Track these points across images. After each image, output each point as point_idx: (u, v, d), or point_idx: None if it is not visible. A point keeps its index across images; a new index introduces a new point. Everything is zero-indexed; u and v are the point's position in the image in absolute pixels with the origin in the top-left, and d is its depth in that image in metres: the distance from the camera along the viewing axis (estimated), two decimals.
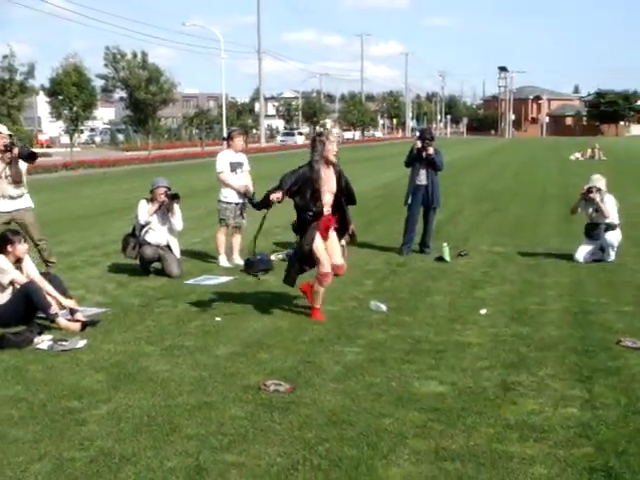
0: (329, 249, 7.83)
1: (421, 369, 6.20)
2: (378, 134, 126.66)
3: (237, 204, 11.06)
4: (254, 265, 10.41)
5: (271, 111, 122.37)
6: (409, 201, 11.98)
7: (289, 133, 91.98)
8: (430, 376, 6.02)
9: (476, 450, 4.62)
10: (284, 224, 14.79)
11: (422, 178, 11.83)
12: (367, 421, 5.09)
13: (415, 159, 11.85)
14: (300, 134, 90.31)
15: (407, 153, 12.11)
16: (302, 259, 7.88)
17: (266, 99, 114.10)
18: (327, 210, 7.78)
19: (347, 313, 8.16)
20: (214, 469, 4.40)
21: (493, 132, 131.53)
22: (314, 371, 6.18)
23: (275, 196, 7.48)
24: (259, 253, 10.96)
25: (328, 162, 7.71)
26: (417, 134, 12.77)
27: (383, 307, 8.24)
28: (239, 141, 11.18)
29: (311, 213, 7.65)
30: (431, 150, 11.67)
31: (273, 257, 11.31)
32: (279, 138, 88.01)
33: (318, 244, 7.70)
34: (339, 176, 7.83)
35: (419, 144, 11.74)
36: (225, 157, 11.07)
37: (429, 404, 5.41)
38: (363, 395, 5.60)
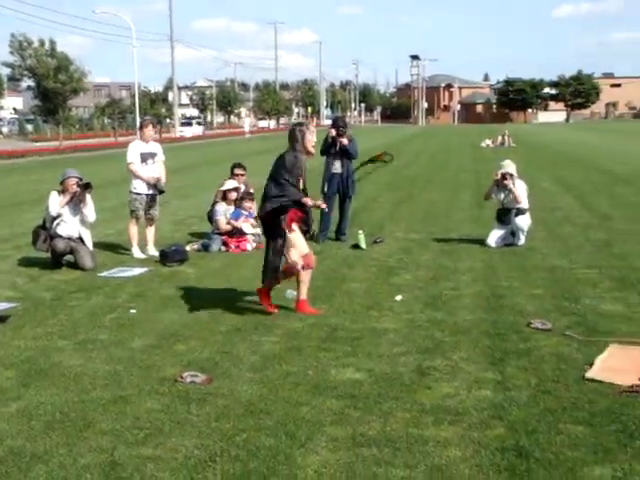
0: (295, 241, 7.64)
1: (338, 356, 6.23)
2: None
3: (147, 195, 10.92)
4: (169, 256, 10.34)
5: (185, 100, 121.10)
6: (325, 190, 12.02)
7: (187, 122, 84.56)
8: (347, 363, 6.05)
9: (392, 435, 4.67)
10: (199, 214, 14.69)
11: (337, 167, 11.89)
12: (284, 410, 5.09)
13: (330, 148, 11.89)
14: (199, 124, 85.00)
15: (322, 142, 12.13)
16: (276, 251, 7.57)
17: (180, 88, 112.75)
18: None
19: None
20: (129, 464, 4.33)
21: (412, 120, 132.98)
22: (231, 361, 6.15)
23: (321, 204, 8.05)
24: (174, 244, 10.89)
25: (307, 153, 7.60)
26: (330, 122, 12.81)
27: None
28: (149, 131, 11.03)
29: (291, 204, 7.48)
30: (345, 140, 11.72)
31: (188, 247, 11.23)
32: (178, 129, 76.60)
33: (292, 236, 7.59)
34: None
35: (333, 132, 11.79)
36: (135, 148, 10.91)
37: (346, 391, 5.44)
38: (280, 384, 5.60)
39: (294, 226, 7.68)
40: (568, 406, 5.05)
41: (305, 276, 7.73)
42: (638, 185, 19.75)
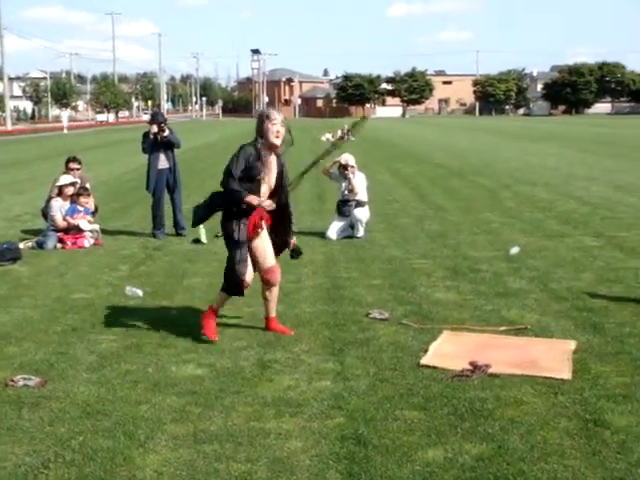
0: (258, 249, 6.55)
1: (178, 353, 6.15)
2: (147, 117, 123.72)
3: None
4: (0, 254, 9.87)
5: (17, 92, 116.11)
6: (152, 186, 11.87)
7: None
8: (187, 359, 5.98)
9: (234, 430, 4.66)
10: (33, 210, 14.15)
11: (163, 162, 11.79)
12: (123, 410, 4.96)
13: (153, 144, 11.71)
14: None
15: (141, 139, 11.94)
16: (238, 261, 6.44)
17: (11, 79, 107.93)
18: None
19: (102, 300, 7.91)
20: None
21: (253, 114, 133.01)
22: (67, 362, 5.94)
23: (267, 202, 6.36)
24: (6, 241, 10.41)
25: (271, 147, 6.36)
26: (149, 118, 12.57)
27: (139, 292, 8.09)
28: None
29: (244, 206, 6.31)
30: (167, 132, 11.60)
31: (22, 245, 10.78)
32: None
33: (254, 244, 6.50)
34: (281, 170, 6.50)
35: (155, 129, 11.61)
36: None
37: (187, 387, 5.38)
38: (119, 383, 5.46)
39: (263, 232, 6.57)
40: (404, 392, 5.21)
41: (269, 294, 6.76)
42: (470, 178, 20.63)
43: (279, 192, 6.52)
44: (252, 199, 6.29)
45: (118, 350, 6.24)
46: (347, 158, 11.58)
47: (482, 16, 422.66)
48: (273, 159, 6.44)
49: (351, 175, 11.44)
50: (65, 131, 68.01)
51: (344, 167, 11.45)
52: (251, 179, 6.31)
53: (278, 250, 6.80)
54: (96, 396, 5.22)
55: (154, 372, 5.70)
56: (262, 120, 6.37)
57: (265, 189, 6.43)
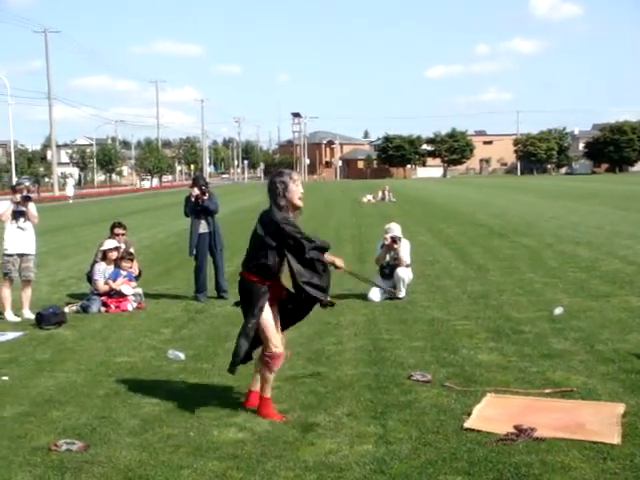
0: (268, 328, 6.16)
1: (220, 416, 6.14)
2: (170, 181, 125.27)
3: (20, 255, 10.64)
4: (46, 318, 10.00)
5: (64, 159, 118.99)
6: (194, 252, 11.97)
7: None
8: (229, 423, 5.97)
9: None
10: (78, 275, 14.34)
11: (204, 226, 11.91)
12: (165, 474, 4.96)
13: (193, 208, 11.87)
14: None
15: (183, 203, 12.11)
16: (248, 336, 6.13)
17: (59, 146, 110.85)
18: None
19: (144, 364, 7.96)
20: None
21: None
22: (110, 426, 5.96)
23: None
24: (51, 306, 10.55)
25: (294, 208, 6.16)
26: (191, 182, 12.72)
27: (181, 355, 8.13)
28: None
29: (270, 274, 6.12)
30: (206, 196, 11.75)
31: (67, 309, 10.91)
32: None
33: (267, 316, 6.14)
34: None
35: (197, 191, 11.76)
36: (7, 205, 10.70)
37: (228, 452, 5.35)
38: (161, 448, 5.46)
39: (267, 307, 6.16)
40: (448, 457, 5.13)
41: (263, 372, 6.23)
42: (511, 237, 20.49)
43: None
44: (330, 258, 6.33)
45: (160, 414, 6.25)
46: (394, 230, 11.61)
47: (522, 77, 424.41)
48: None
49: (399, 248, 11.49)
50: (70, 201, 60.33)
51: (393, 241, 11.50)
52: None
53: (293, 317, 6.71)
54: (138, 461, 5.22)
55: (196, 436, 5.69)
56: (285, 183, 6.07)
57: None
